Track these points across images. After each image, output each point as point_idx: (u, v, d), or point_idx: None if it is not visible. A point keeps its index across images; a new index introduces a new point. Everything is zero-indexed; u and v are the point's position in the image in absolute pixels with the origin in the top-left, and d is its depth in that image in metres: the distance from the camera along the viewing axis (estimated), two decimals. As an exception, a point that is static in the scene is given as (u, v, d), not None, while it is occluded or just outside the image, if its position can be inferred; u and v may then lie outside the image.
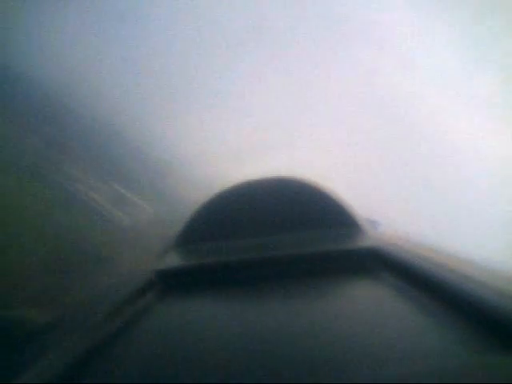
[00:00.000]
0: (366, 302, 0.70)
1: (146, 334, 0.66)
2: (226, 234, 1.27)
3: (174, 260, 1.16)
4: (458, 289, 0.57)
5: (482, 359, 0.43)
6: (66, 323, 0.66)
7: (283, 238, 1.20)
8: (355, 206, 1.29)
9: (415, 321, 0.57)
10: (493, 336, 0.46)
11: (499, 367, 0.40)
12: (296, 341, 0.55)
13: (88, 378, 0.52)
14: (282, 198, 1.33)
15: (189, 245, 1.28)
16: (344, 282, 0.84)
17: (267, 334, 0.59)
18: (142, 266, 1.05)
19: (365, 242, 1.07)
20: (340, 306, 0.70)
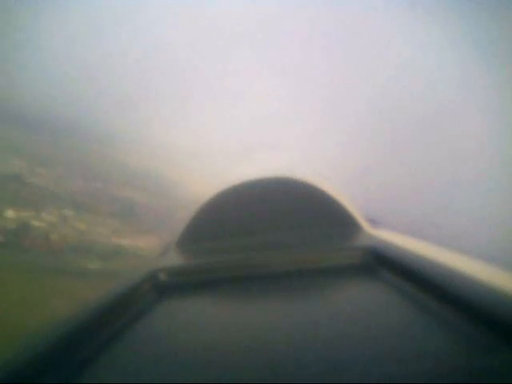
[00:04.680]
0: (365, 301, 0.70)
1: (146, 333, 0.66)
2: (226, 234, 1.27)
3: (174, 260, 1.16)
4: (457, 288, 0.57)
5: (482, 359, 0.43)
6: (68, 323, 0.66)
7: (283, 237, 1.20)
8: (355, 206, 1.29)
9: (414, 320, 0.57)
10: (492, 336, 0.46)
11: (499, 367, 0.40)
12: (296, 340, 0.55)
13: (89, 378, 0.52)
14: (281, 198, 1.33)
15: (189, 245, 1.28)
16: (343, 280, 0.84)
17: (267, 333, 0.59)
18: (143, 266, 1.06)
19: (364, 240, 1.07)
20: (339, 305, 0.70)
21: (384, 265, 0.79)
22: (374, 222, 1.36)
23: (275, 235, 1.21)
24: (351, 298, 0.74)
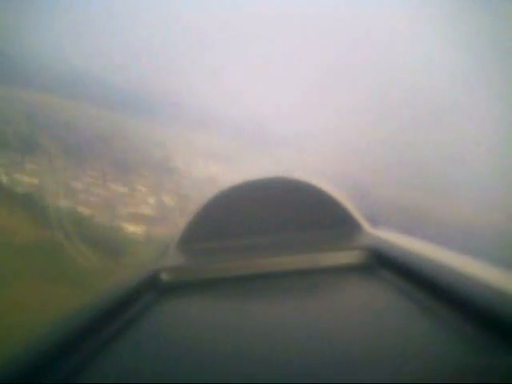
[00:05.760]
0: (366, 301, 0.70)
1: (146, 334, 0.66)
2: (227, 234, 1.27)
3: (174, 260, 1.16)
4: (457, 288, 0.57)
5: (482, 359, 0.43)
6: (68, 322, 0.66)
7: (283, 237, 1.20)
8: (355, 206, 1.29)
9: (415, 320, 0.57)
10: (492, 336, 0.46)
11: (499, 367, 0.40)
12: (296, 340, 0.55)
13: (89, 378, 0.52)
14: (282, 198, 1.32)
15: (189, 245, 1.28)
16: (344, 281, 0.84)
17: (267, 333, 0.59)
18: (144, 266, 1.06)
19: (365, 240, 1.07)
20: (340, 305, 0.70)
21: (385, 265, 0.79)
22: (374, 222, 1.35)
23: (275, 235, 1.21)
24: (352, 298, 0.74)
